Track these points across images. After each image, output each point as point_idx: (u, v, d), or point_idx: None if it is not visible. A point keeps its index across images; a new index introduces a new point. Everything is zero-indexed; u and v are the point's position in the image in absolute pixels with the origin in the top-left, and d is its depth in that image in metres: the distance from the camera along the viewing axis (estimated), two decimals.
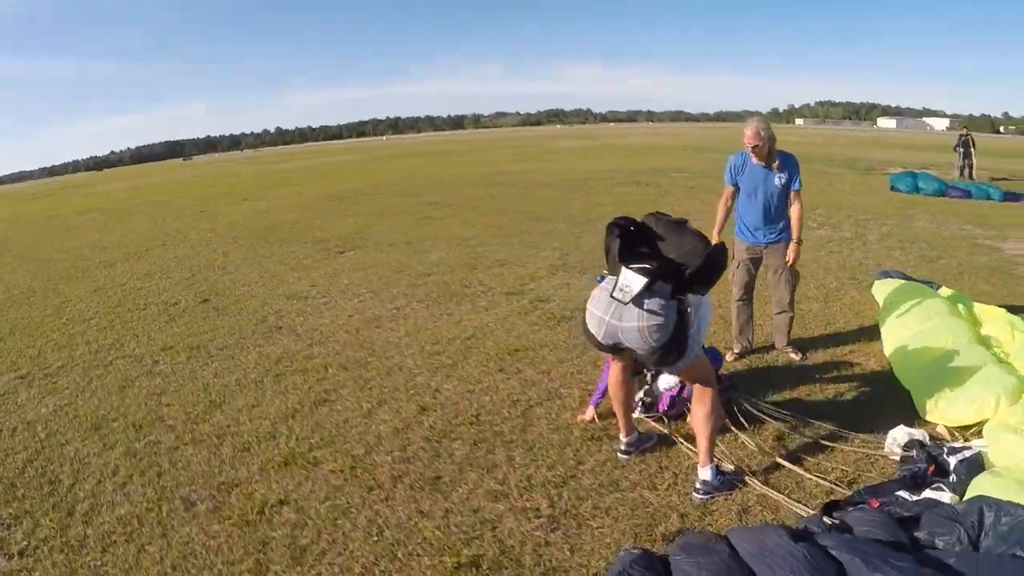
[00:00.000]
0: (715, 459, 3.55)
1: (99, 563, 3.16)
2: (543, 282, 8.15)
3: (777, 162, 5.14)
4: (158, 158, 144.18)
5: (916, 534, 2.88)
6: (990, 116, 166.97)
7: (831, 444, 3.96)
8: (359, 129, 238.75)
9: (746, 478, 3.59)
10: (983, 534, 2.77)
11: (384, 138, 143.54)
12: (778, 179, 5.14)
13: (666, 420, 4.28)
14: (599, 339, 3.42)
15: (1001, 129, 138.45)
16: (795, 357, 5.41)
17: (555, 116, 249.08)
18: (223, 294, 8.23)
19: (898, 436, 3.90)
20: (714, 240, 4.32)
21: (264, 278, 8.99)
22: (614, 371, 3.76)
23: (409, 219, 13.79)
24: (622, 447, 3.89)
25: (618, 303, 3.24)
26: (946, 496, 3.28)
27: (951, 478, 3.42)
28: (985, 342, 5.14)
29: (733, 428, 4.08)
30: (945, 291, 6.40)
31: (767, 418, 4.18)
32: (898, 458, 3.76)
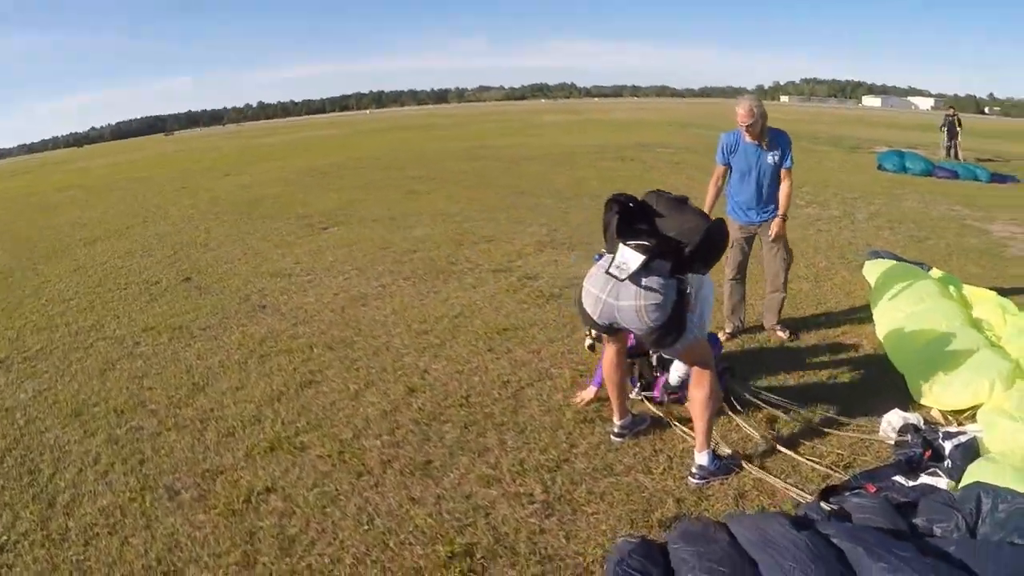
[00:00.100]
0: (712, 443, 3.48)
1: (82, 557, 3.05)
2: (531, 259, 8.05)
3: (768, 139, 5.07)
4: (139, 133, 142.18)
5: (914, 521, 2.86)
6: (975, 96, 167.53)
7: (826, 428, 3.93)
8: (342, 103, 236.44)
9: (742, 462, 3.54)
10: (980, 521, 2.76)
11: (368, 112, 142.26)
12: (771, 157, 5.07)
13: (663, 402, 4.22)
14: (595, 318, 3.32)
15: (986, 110, 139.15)
16: (783, 336, 5.38)
17: (539, 90, 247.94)
18: (205, 272, 8.07)
19: (893, 420, 3.87)
20: None
21: (247, 255, 8.83)
22: (608, 353, 3.68)
23: (393, 194, 13.61)
24: (615, 430, 3.82)
25: (615, 281, 3.14)
26: (942, 482, 3.26)
27: (946, 463, 3.40)
28: (977, 325, 5.12)
29: (729, 412, 4.03)
30: (936, 272, 6.38)
31: (762, 404, 4.12)
32: (893, 442, 3.73)
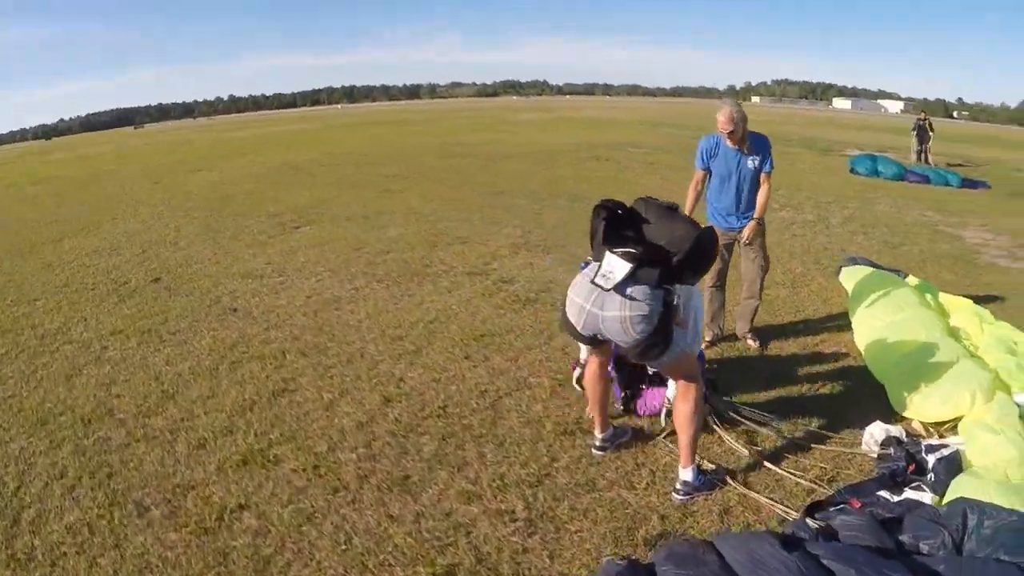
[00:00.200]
0: (696, 459, 3.43)
1: None
2: (506, 261, 7.96)
3: (749, 143, 5.04)
4: (109, 126, 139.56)
5: (901, 537, 2.85)
6: (944, 101, 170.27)
7: (808, 441, 3.89)
8: (313, 97, 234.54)
9: (726, 477, 3.49)
10: (966, 537, 2.75)
11: (339, 106, 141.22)
12: (751, 162, 5.04)
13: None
14: (579, 329, 3.22)
15: (955, 114, 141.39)
16: (753, 345, 5.36)
17: (511, 87, 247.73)
18: (175, 272, 7.87)
19: (875, 432, 3.86)
20: None
21: (218, 255, 8.63)
22: (591, 366, 3.60)
23: (366, 192, 13.44)
24: (597, 443, 3.75)
25: (600, 290, 3.05)
26: (927, 496, 3.25)
27: (929, 476, 3.40)
28: (955, 334, 5.14)
29: (712, 426, 3.97)
30: (912, 280, 6.41)
31: (744, 420, 4.06)
32: (876, 455, 3.72)
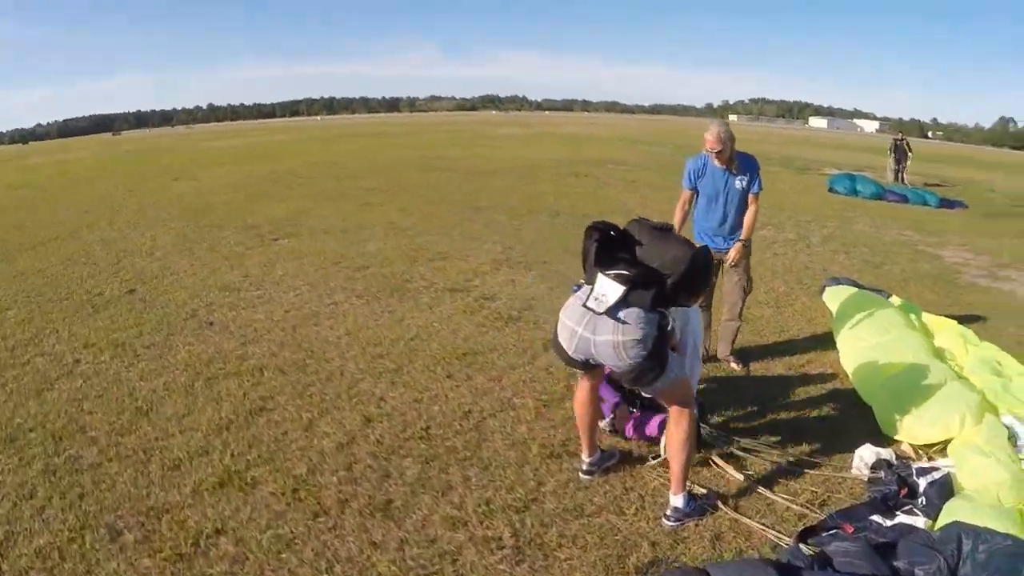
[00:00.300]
0: (687, 485, 3.35)
1: None
2: (487, 278, 7.87)
3: (737, 163, 5.01)
4: (86, 132, 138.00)
5: (895, 563, 2.80)
6: (919, 121, 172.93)
7: (798, 464, 3.83)
8: (293, 108, 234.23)
9: (717, 502, 3.42)
10: (961, 562, 2.72)
11: (319, 118, 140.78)
12: (739, 182, 5.00)
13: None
14: (570, 353, 3.15)
15: (929, 134, 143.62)
16: (736, 367, 5.29)
17: (490, 102, 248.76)
18: (150, 283, 7.69)
19: (865, 455, 3.82)
20: None
21: (194, 266, 8.47)
22: (581, 390, 3.50)
23: (345, 204, 13.32)
24: (584, 467, 3.66)
25: (592, 314, 2.98)
26: (920, 520, 3.22)
27: (920, 500, 3.37)
28: (940, 355, 5.13)
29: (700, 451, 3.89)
30: (896, 300, 6.41)
31: (736, 451, 3.98)
32: (866, 479, 3.68)
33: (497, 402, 4.61)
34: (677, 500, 3.27)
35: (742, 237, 5.08)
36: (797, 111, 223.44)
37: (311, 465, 3.77)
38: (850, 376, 5.01)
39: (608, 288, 2.93)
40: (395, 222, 11.42)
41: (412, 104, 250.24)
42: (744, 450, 3.95)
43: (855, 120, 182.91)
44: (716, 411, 4.39)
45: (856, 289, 6.53)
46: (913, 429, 4.11)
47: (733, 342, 5.40)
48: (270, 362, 5.27)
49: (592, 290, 2.99)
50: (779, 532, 3.20)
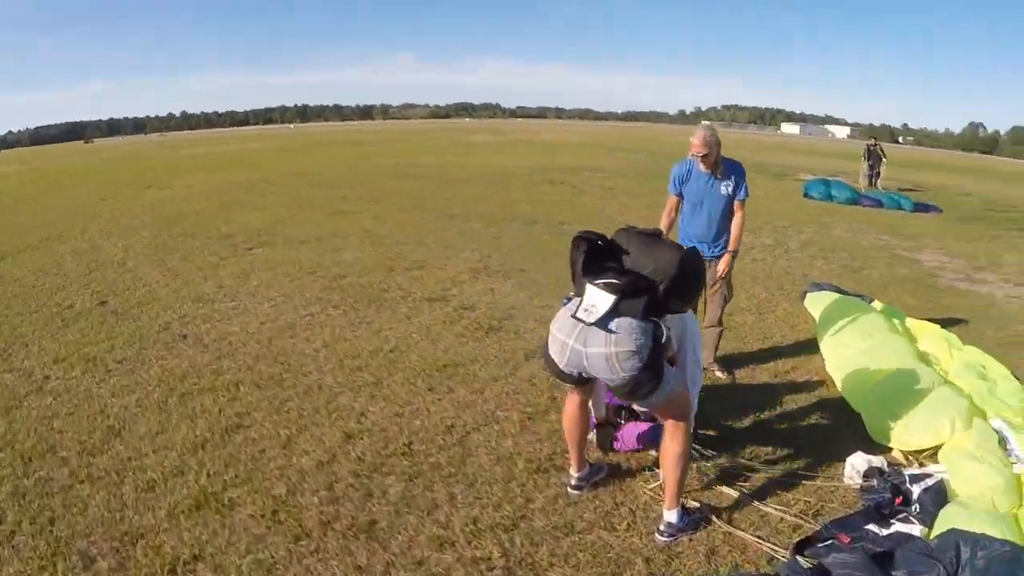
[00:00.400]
0: (681, 500, 3.27)
1: None
2: (466, 287, 7.76)
3: (722, 169, 4.96)
4: (58, 140, 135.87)
5: (894, 573, 2.77)
6: (890, 126, 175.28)
7: (790, 474, 3.77)
8: (266, 116, 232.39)
9: (711, 515, 3.35)
10: (960, 569, 2.70)
11: (292, 126, 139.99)
12: (724, 188, 4.95)
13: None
14: (561, 367, 3.03)
15: (900, 139, 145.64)
16: (721, 376, 5.22)
17: (464, 109, 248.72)
18: (122, 295, 7.49)
19: (857, 463, 3.78)
20: None
21: (167, 277, 8.26)
22: (571, 405, 3.40)
23: (320, 213, 13.14)
24: (573, 482, 3.56)
25: (583, 325, 2.88)
26: (916, 528, 3.20)
27: (914, 507, 3.35)
28: (925, 360, 5.12)
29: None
30: (878, 305, 6.41)
31: (726, 462, 3.91)
32: (859, 487, 3.64)
33: (480, 415, 4.49)
34: (671, 515, 3.19)
35: (730, 248, 5.03)
36: (769, 117, 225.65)
37: (291, 485, 3.62)
38: (837, 383, 4.98)
39: (598, 298, 2.84)
40: (370, 230, 11.29)
41: (385, 112, 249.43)
42: (735, 461, 3.89)
43: (827, 126, 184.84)
44: (703, 421, 4.31)
45: (838, 295, 6.54)
46: (904, 435, 4.08)
47: (716, 349, 5.35)
48: (246, 376, 5.12)
49: (582, 301, 2.90)
50: (774, 544, 3.14)
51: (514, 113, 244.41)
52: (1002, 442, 3.85)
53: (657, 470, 3.64)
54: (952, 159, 58.55)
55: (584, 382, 3.19)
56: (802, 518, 3.37)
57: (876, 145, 21.17)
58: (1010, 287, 8.79)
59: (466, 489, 3.60)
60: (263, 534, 3.21)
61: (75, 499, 3.53)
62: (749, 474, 3.78)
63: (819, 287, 7.07)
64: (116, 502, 3.49)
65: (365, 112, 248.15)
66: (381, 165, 24.09)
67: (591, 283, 2.88)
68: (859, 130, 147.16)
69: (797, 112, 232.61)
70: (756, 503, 3.48)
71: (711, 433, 4.19)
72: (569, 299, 3.06)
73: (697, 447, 3.90)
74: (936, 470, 3.69)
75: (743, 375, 5.27)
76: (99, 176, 24.09)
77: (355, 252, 9.58)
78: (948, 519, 3.11)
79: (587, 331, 2.87)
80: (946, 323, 6.28)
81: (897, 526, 3.23)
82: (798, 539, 3.12)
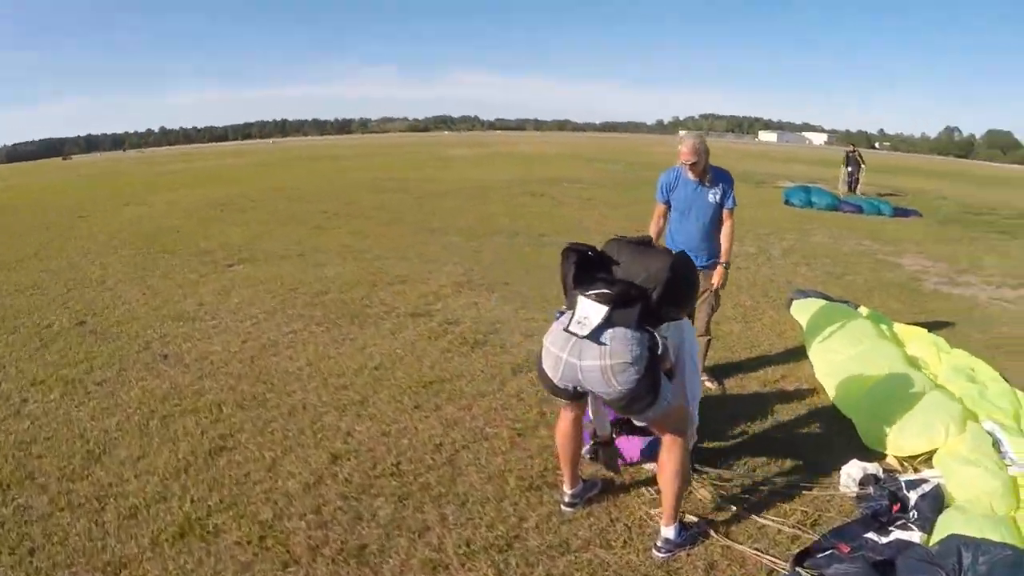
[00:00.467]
0: (679, 516, 3.21)
1: None
2: (449, 301, 7.68)
3: (710, 177, 4.93)
4: (36, 156, 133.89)
5: None
6: (866, 132, 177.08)
7: (785, 485, 3.72)
8: (245, 131, 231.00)
9: (708, 529, 3.29)
10: (963, 575, 2.69)
11: (271, 141, 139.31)
12: (712, 196, 4.93)
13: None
14: (555, 381, 2.97)
15: (876, 145, 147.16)
16: (711, 386, 5.16)
17: (443, 122, 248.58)
18: (102, 314, 7.34)
19: (852, 471, 3.75)
20: None
21: (147, 295, 8.11)
22: (564, 421, 3.33)
23: (301, 228, 13.03)
24: (566, 499, 3.49)
25: (576, 338, 2.81)
26: (915, 535, 3.17)
27: (912, 514, 3.32)
28: (915, 364, 5.11)
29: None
30: (864, 310, 6.41)
31: (721, 473, 3.86)
32: (856, 495, 3.61)
33: (469, 433, 4.41)
34: (668, 531, 3.13)
35: (722, 260, 4.99)
36: (747, 126, 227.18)
37: (277, 509, 3.52)
38: (828, 390, 4.96)
39: (590, 310, 2.78)
40: (351, 245, 11.19)
41: (364, 125, 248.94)
42: (729, 472, 3.85)
43: (804, 133, 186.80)
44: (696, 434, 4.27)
45: (824, 301, 6.54)
46: (898, 441, 4.06)
47: (705, 358, 5.30)
48: (228, 397, 5.01)
49: (574, 314, 2.83)
50: (774, 557, 3.10)
51: (493, 125, 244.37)
52: (996, 445, 3.86)
53: (656, 492, 3.58)
54: (929, 164, 59.31)
55: (578, 397, 3.12)
56: (800, 529, 3.32)
57: (855, 151, 21.40)
58: (992, 289, 8.87)
59: (457, 509, 3.52)
60: (250, 561, 3.11)
61: (55, 528, 3.41)
62: (745, 485, 3.73)
63: (804, 294, 7.08)
64: (98, 530, 3.37)
65: (344, 126, 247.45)
66: (360, 179, 24.00)
67: (582, 295, 2.82)
68: (836, 136, 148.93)
69: (775, 120, 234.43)
70: (753, 515, 3.43)
71: (703, 445, 4.13)
72: (562, 313, 3.00)
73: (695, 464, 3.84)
74: (932, 475, 3.68)
75: (732, 385, 5.23)
76: (77, 193, 23.79)
77: (336, 267, 9.48)
78: (947, 525, 3.10)
79: (581, 344, 2.81)
80: (932, 327, 6.30)
81: (896, 533, 3.19)
82: (797, 550, 3.08)
